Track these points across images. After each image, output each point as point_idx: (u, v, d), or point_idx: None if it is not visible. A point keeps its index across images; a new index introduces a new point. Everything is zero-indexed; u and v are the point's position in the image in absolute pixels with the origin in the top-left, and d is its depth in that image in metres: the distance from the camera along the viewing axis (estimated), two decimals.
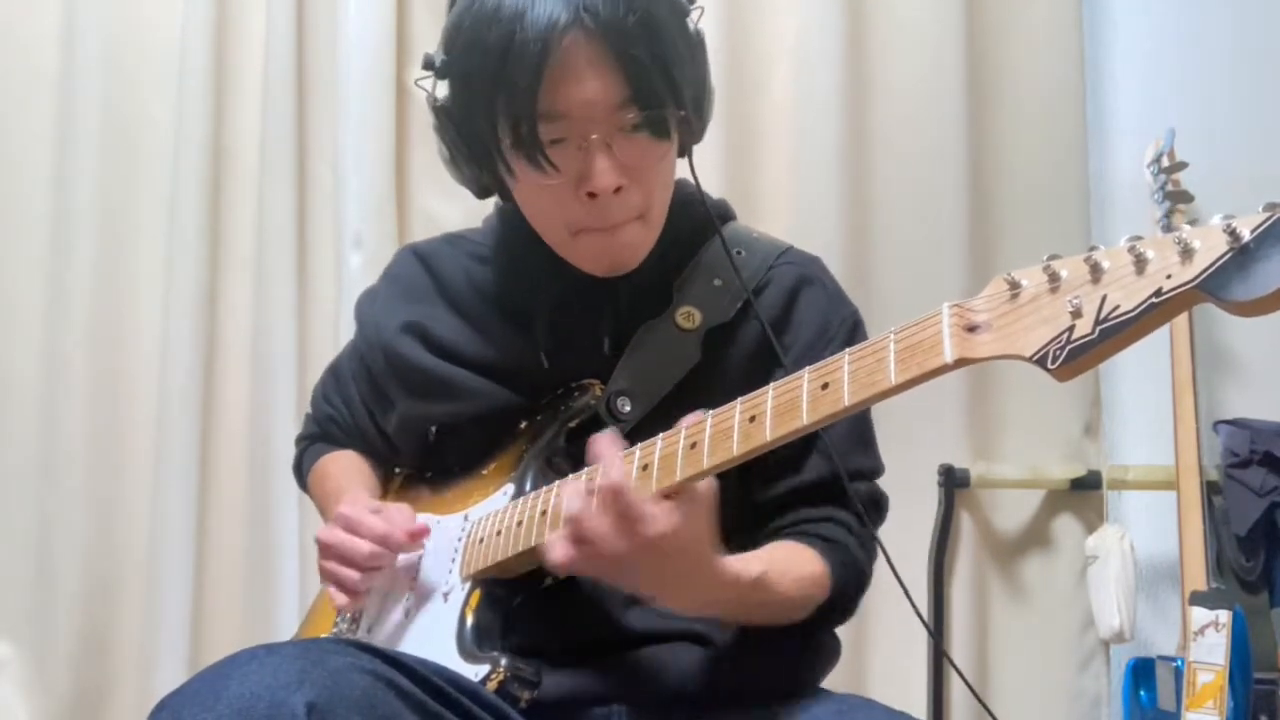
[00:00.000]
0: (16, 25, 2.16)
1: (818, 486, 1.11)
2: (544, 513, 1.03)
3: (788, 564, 1.04)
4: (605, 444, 0.95)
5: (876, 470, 1.18)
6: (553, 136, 1.03)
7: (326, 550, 1.12)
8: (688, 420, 0.94)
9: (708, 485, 0.93)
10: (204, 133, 2.09)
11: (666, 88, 1.04)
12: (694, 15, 1.09)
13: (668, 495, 0.92)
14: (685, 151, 1.13)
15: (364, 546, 1.10)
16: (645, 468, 0.95)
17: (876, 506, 1.17)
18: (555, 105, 1.01)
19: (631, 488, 0.90)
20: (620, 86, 1.02)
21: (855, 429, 1.15)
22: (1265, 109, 2.14)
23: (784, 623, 1.06)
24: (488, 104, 1.03)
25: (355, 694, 0.83)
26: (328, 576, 1.13)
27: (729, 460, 0.90)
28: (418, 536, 1.13)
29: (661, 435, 0.96)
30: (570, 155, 1.04)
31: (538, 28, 0.99)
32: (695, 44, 1.09)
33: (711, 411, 0.93)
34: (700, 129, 1.12)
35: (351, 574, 1.11)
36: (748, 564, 0.99)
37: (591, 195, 1.05)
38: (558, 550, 0.92)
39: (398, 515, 1.13)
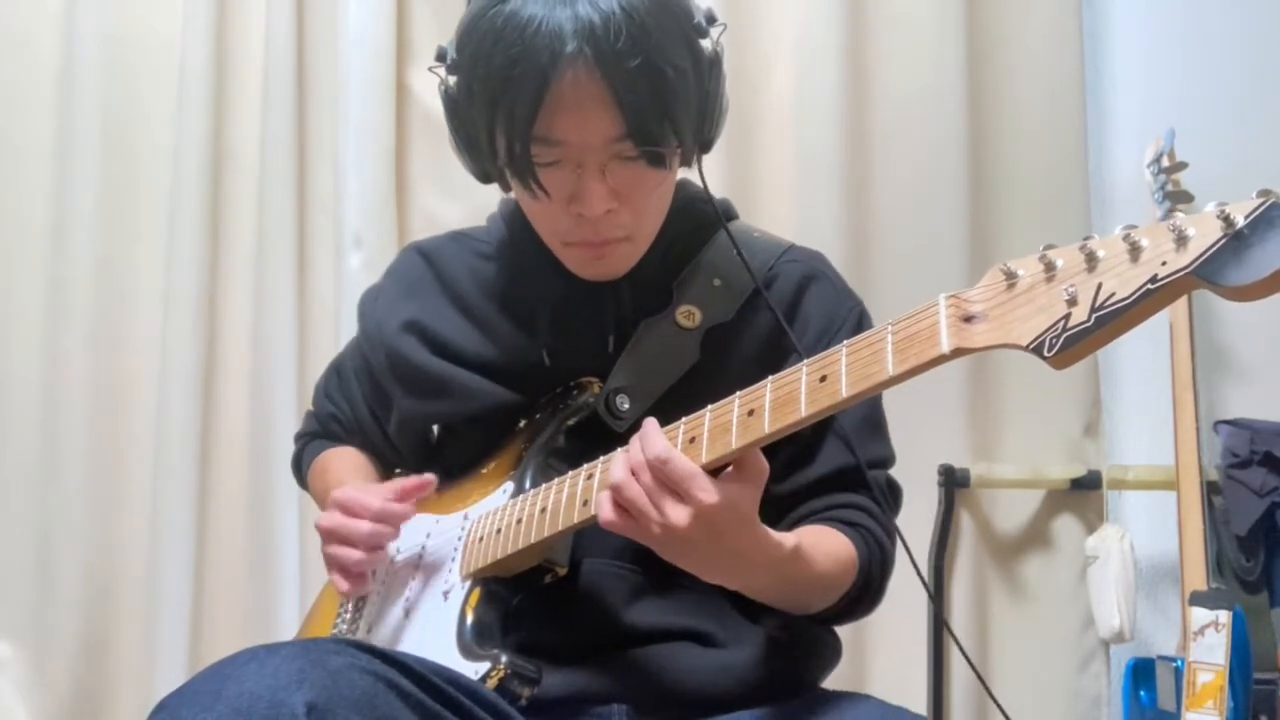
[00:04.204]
0: (16, 26, 2.16)
1: (838, 476, 1.11)
2: (544, 510, 1.03)
3: (818, 540, 1.04)
4: (649, 423, 0.94)
5: (890, 459, 1.17)
6: (547, 159, 1.03)
7: (328, 535, 1.13)
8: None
9: (761, 461, 0.92)
10: (204, 133, 2.09)
11: (666, 127, 1.02)
12: (715, 33, 1.06)
13: (717, 469, 0.91)
14: (689, 162, 1.11)
15: (363, 526, 1.11)
16: None
17: (894, 495, 1.17)
18: (551, 133, 1.01)
19: (679, 456, 0.89)
20: (618, 123, 1.01)
21: (869, 418, 1.15)
22: (1265, 109, 2.14)
23: (816, 606, 1.06)
24: (487, 119, 1.03)
25: (355, 694, 0.83)
26: (332, 563, 1.13)
27: (727, 455, 0.89)
28: (422, 488, 1.14)
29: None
30: (563, 177, 1.04)
31: (540, 59, 0.98)
32: (706, 69, 1.05)
33: (710, 406, 0.93)
34: (707, 146, 1.11)
35: (353, 553, 1.11)
36: (784, 536, 0.98)
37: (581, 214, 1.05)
38: (605, 510, 0.93)
39: (396, 483, 1.14)
